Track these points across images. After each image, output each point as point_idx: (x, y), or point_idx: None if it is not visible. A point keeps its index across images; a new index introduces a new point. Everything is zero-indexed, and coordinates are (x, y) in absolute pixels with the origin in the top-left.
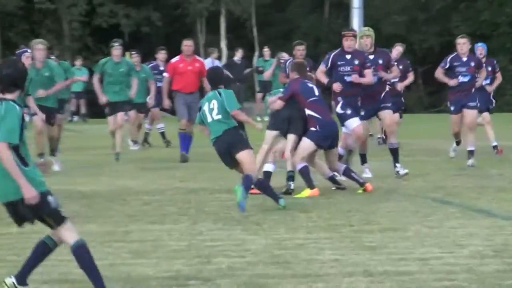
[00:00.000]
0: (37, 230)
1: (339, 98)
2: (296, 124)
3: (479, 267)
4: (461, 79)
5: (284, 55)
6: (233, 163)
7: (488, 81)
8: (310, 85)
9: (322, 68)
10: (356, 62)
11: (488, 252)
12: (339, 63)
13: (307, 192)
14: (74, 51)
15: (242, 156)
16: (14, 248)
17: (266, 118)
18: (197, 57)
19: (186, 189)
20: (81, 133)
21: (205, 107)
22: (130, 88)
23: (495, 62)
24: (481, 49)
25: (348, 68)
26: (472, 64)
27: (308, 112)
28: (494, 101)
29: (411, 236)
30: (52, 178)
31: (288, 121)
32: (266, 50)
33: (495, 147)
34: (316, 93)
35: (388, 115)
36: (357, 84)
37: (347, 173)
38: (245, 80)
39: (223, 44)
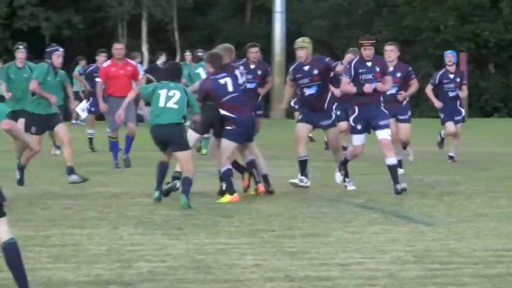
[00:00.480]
0: None
1: (356, 108)
2: (216, 128)
3: (400, 273)
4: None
5: (200, 51)
6: (164, 150)
7: (455, 93)
8: (223, 81)
9: (346, 80)
10: (377, 69)
11: (409, 257)
12: (360, 71)
13: (227, 198)
14: None
15: (181, 156)
16: None
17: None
18: (129, 60)
19: (107, 194)
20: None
21: (163, 92)
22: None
23: (464, 73)
24: (450, 56)
25: (370, 76)
26: (398, 74)
27: (222, 112)
28: (462, 110)
29: (332, 242)
30: None
31: (210, 125)
32: (188, 54)
33: (451, 157)
34: (230, 88)
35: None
36: (374, 92)
37: (251, 165)
38: None
39: (145, 48)
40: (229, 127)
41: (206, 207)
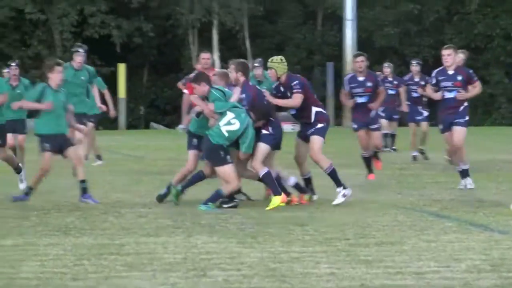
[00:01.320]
0: (32, 242)
1: None
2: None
3: (476, 282)
4: (447, 94)
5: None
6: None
7: None
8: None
9: None
10: None
11: (485, 266)
12: None
13: (276, 200)
14: (66, 62)
15: (217, 171)
16: (8, 260)
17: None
18: (216, 70)
19: (181, 202)
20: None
21: (230, 115)
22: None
23: None
24: None
25: None
26: (459, 78)
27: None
28: None
29: (407, 250)
30: (47, 190)
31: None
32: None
33: None
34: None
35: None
36: None
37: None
38: None
39: (216, 56)
40: (266, 132)
41: (280, 216)
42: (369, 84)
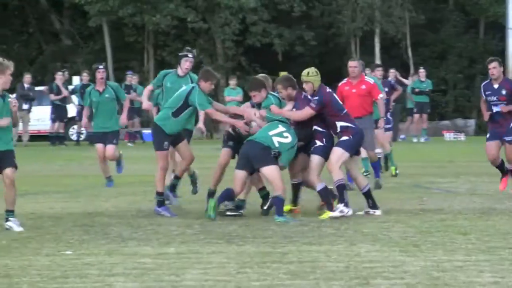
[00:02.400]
0: (195, 250)
1: None
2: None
3: None
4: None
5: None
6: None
7: None
8: None
9: None
10: None
11: None
12: None
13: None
14: (227, 71)
15: (264, 172)
16: (172, 268)
17: (422, 139)
18: (366, 79)
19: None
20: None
21: (283, 127)
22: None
23: None
24: None
25: None
26: (503, 92)
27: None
28: None
29: None
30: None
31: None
32: (422, 71)
33: None
34: None
35: None
36: None
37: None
38: (399, 101)
39: None
40: (320, 143)
41: (442, 224)
42: (503, 91)
